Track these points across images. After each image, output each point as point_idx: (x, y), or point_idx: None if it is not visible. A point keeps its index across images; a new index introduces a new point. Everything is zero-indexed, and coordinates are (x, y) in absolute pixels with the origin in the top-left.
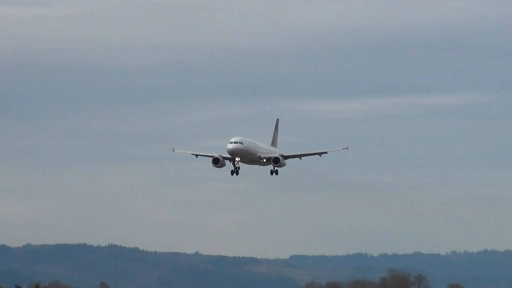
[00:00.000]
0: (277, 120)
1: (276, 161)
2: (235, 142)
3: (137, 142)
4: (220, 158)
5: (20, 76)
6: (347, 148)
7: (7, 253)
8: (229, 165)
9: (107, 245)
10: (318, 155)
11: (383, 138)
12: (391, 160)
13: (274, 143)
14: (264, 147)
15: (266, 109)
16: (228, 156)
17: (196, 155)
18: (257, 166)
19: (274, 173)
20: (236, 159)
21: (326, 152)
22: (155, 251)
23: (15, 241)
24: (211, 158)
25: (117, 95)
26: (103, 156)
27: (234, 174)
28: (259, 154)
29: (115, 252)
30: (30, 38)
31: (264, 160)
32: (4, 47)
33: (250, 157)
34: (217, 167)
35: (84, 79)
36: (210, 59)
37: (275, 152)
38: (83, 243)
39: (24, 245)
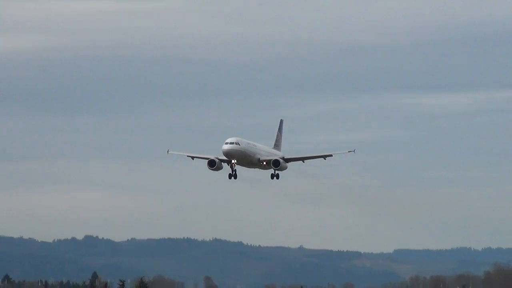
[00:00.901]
0: (281, 121)
1: (276, 164)
2: (231, 143)
3: (241, 136)
4: (217, 160)
5: (135, 70)
6: (353, 151)
7: (111, 247)
8: (227, 168)
9: (211, 239)
10: (323, 158)
11: (488, 131)
12: (496, 153)
13: (277, 145)
14: (264, 149)
15: (366, 103)
16: (225, 158)
17: (192, 157)
18: (257, 169)
19: (275, 177)
20: (233, 161)
21: (331, 155)
22: (259, 246)
23: (120, 236)
24: (207, 161)
25: (226, 89)
26: (210, 150)
27: (232, 178)
28: (258, 156)
29: (219, 246)
30: (146, 32)
31: (264, 163)
32: (121, 41)
33: (248, 160)
34: (213, 170)
35: (196, 73)
36: (311, 54)
37: (277, 154)
38: (187, 237)
39: (128, 239)
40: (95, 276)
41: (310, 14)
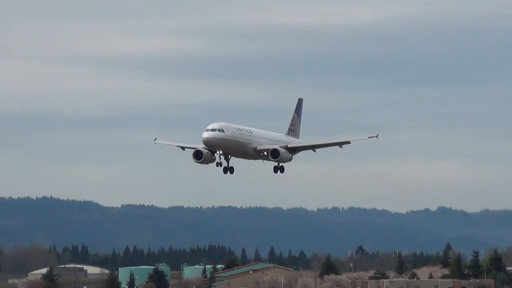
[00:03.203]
0: (300, 100)
1: (274, 154)
2: (212, 130)
3: None
4: (204, 151)
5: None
6: (376, 137)
7: (465, 219)
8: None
9: None
10: (339, 146)
11: None
12: None
13: (293, 130)
14: (266, 137)
15: None
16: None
17: (183, 148)
18: (260, 161)
19: (278, 170)
20: (217, 152)
21: (348, 142)
22: None
23: (473, 207)
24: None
25: None
26: None
27: (228, 172)
28: (254, 145)
29: None
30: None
31: (265, 153)
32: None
33: (240, 150)
34: (199, 162)
35: None
36: None
37: (287, 143)
38: None
39: (482, 211)
40: (448, 247)
41: None
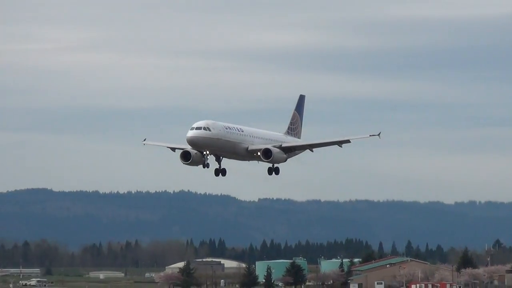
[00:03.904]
0: (301, 97)
1: (266, 154)
2: (197, 128)
3: None
4: (193, 151)
5: None
6: (378, 135)
7: None
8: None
9: None
10: (338, 145)
11: None
12: None
13: (293, 129)
14: (258, 135)
15: None
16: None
17: (173, 149)
18: (255, 162)
19: (273, 172)
20: (205, 152)
21: (348, 141)
22: None
23: None
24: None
25: None
26: None
27: (220, 174)
28: (246, 144)
29: None
30: None
31: (259, 153)
32: None
33: (230, 150)
34: (187, 164)
35: None
36: None
37: (285, 142)
38: None
39: None
40: None
41: None
